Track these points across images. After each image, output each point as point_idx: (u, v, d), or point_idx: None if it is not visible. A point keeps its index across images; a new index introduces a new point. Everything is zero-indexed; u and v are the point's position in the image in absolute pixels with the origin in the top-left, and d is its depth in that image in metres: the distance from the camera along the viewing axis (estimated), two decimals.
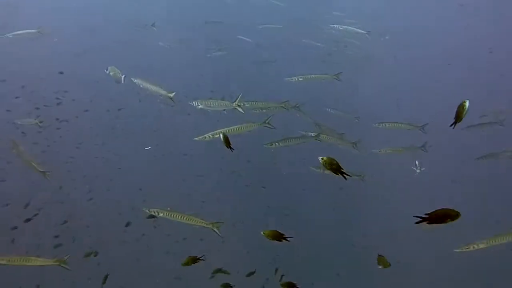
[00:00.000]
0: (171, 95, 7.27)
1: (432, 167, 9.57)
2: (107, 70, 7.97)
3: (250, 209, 12.11)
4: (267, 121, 6.59)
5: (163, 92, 7.30)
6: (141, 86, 7.31)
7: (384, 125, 9.10)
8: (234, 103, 6.85)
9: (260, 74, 15.45)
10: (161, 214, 6.13)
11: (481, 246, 4.84)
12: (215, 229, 6.05)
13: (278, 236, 5.33)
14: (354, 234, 12.66)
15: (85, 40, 14.37)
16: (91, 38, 14.45)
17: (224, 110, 6.99)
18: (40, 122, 10.41)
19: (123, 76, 7.98)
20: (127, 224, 10.01)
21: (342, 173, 4.65)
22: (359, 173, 8.90)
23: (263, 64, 15.98)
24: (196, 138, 6.23)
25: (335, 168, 4.64)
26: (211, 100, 6.92)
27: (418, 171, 8.99)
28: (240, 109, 6.89)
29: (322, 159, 4.60)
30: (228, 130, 6.20)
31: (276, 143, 8.35)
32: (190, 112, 13.27)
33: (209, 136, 6.13)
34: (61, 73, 11.89)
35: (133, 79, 7.36)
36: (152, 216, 6.50)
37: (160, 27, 14.43)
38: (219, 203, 11.74)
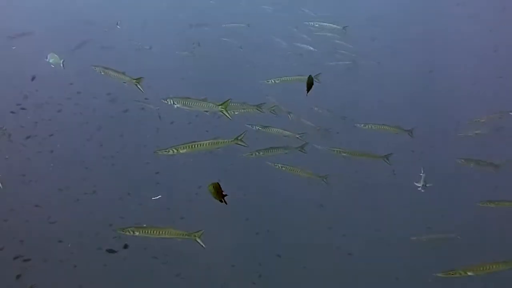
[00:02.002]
0: (137, 80, 6.55)
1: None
2: (47, 58, 7.87)
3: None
4: (240, 138, 5.81)
5: (126, 78, 6.60)
6: (102, 73, 6.66)
7: (369, 126, 8.34)
8: (220, 107, 5.94)
9: (244, 77, 15.03)
10: (137, 233, 5.60)
11: (469, 273, 4.31)
12: (197, 239, 5.57)
13: (219, 190, 4.58)
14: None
15: (57, 42, 13.86)
16: (63, 40, 13.90)
17: (207, 111, 6.24)
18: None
19: (62, 60, 8.00)
20: (111, 251, 9.15)
21: None
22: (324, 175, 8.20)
23: (246, 66, 15.61)
24: (158, 152, 5.57)
25: None
26: (190, 99, 5.97)
27: (419, 187, 7.88)
28: (227, 114, 6.01)
29: None
30: (196, 145, 5.55)
31: (257, 153, 7.88)
32: (174, 121, 12.84)
33: (173, 150, 5.50)
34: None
35: (93, 66, 6.67)
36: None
37: (139, 29, 13.98)
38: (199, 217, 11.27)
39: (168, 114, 12.70)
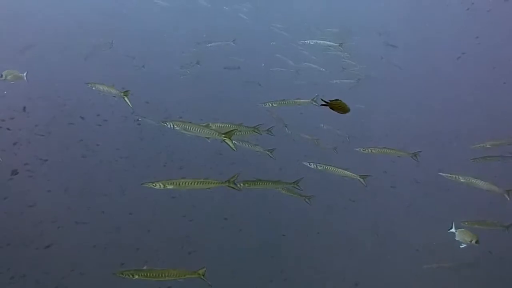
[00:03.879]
0: (124, 93, 6.70)
1: None
2: (1, 76, 7.50)
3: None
4: (233, 180, 5.56)
5: (115, 91, 6.77)
6: (93, 88, 6.83)
7: (369, 150, 7.83)
8: (224, 136, 5.66)
9: (245, 94, 14.86)
10: (136, 277, 5.39)
11: None
12: (202, 277, 5.41)
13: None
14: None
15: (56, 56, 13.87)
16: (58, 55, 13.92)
17: (208, 138, 5.88)
18: None
19: (25, 73, 7.68)
20: None
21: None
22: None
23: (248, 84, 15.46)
24: (145, 185, 5.33)
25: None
26: (191, 123, 5.66)
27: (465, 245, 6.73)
28: (230, 144, 5.71)
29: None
30: (184, 183, 5.32)
31: (252, 184, 7.55)
32: (170, 145, 12.64)
33: (160, 185, 5.26)
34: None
35: (87, 83, 6.84)
36: None
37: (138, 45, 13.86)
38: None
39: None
